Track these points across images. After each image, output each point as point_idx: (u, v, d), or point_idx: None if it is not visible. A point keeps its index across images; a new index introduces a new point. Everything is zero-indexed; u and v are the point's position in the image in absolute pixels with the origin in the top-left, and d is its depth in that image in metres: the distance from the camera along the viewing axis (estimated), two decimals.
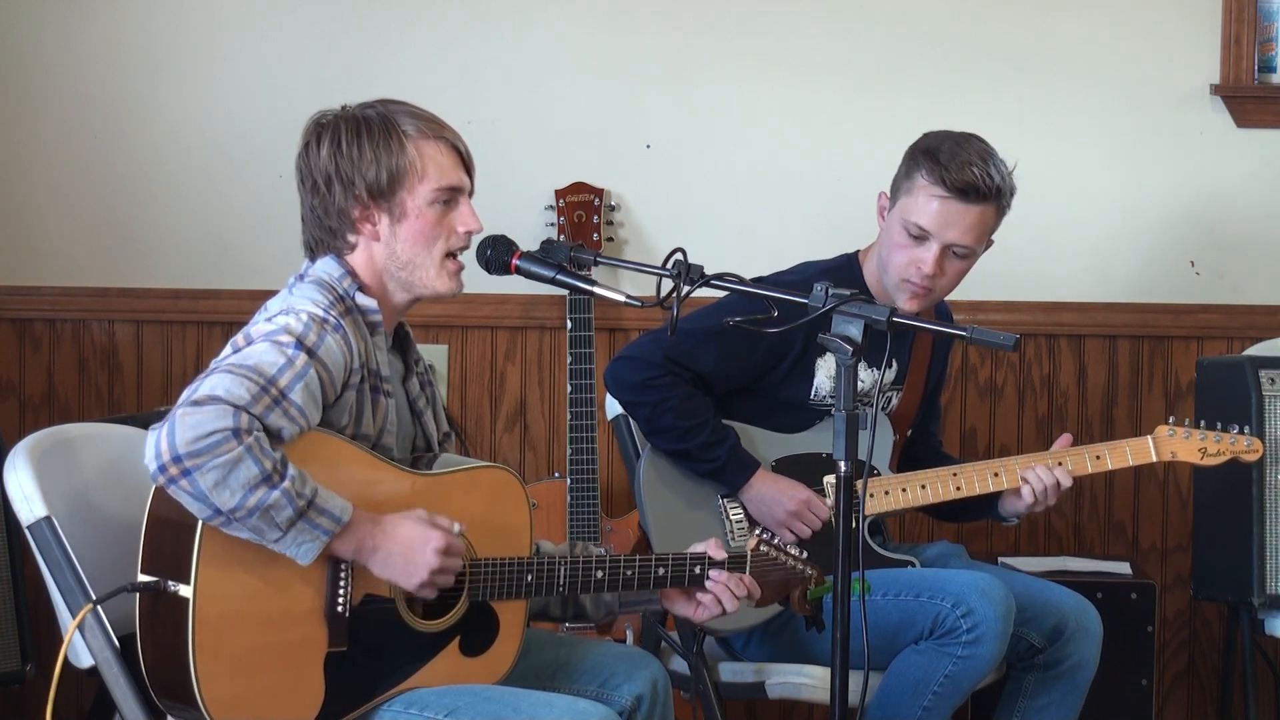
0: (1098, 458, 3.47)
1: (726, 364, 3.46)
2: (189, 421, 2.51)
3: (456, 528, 2.70)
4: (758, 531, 3.00)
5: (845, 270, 3.53)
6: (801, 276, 3.45)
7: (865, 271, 3.53)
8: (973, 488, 3.46)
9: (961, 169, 3.38)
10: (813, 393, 3.51)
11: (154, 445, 2.52)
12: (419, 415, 2.93)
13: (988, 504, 3.53)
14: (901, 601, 3.33)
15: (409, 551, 2.65)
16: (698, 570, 2.92)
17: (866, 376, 3.42)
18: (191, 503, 2.53)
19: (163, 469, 2.51)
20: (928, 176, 3.39)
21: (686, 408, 3.42)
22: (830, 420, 3.45)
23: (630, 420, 3.59)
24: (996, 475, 3.46)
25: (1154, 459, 3.47)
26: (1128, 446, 3.48)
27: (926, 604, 3.31)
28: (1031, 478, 3.43)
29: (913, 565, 3.50)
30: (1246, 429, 3.51)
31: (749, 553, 2.96)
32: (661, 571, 2.89)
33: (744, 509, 3.48)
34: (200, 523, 2.56)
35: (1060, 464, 3.44)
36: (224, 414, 2.52)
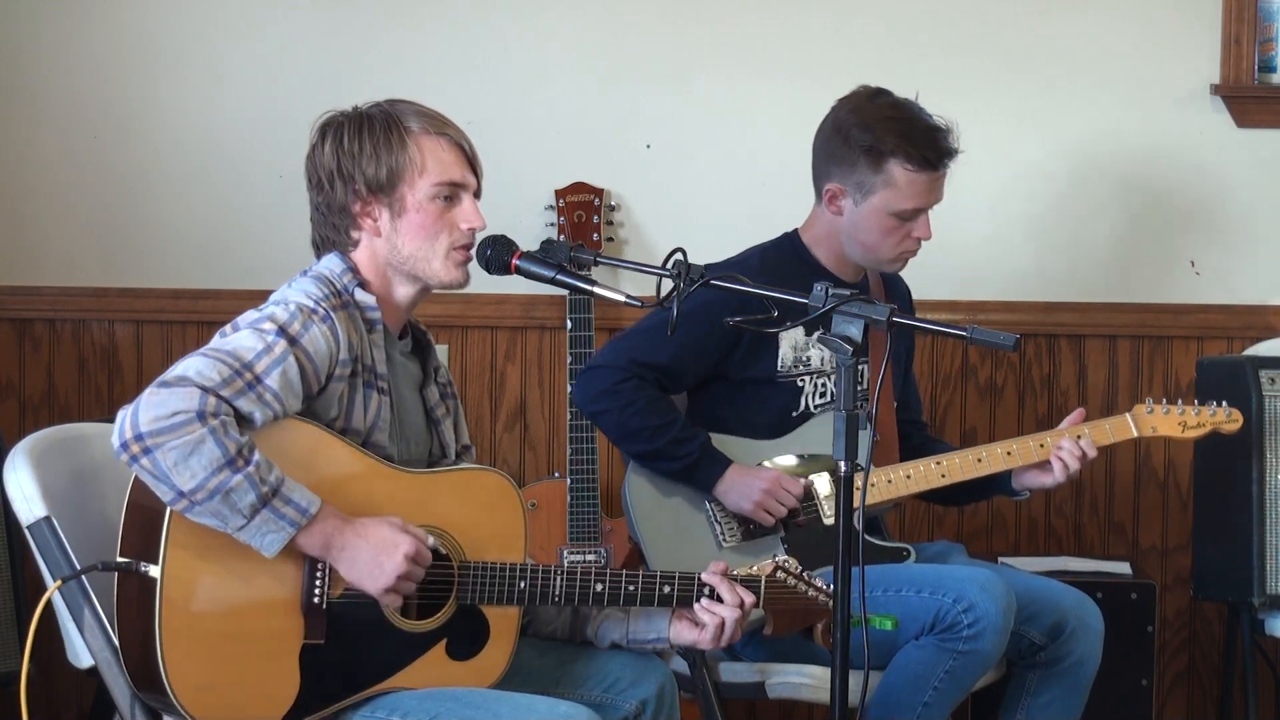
0: (1079, 438, 3.48)
1: (686, 352, 3.44)
2: (154, 400, 2.52)
3: (430, 540, 2.69)
4: (776, 557, 2.95)
5: (789, 247, 3.55)
6: (746, 257, 3.52)
7: (809, 243, 3.55)
8: (956, 475, 3.48)
9: (934, 143, 3.41)
10: (779, 363, 3.50)
11: (119, 423, 2.53)
12: (437, 424, 2.92)
13: (993, 483, 3.54)
14: (902, 597, 3.33)
15: (377, 554, 2.63)
16: (707, 591, 2.86)
17: (815, 355, 3.47)
18: (153, 483, 2.53)
19: (125, 446, 2.52)
20: (908, 164, 3.40)
21: (653, 408, 3.41)
22: (809, 423, 3.52)
23: None
24: (980, 461, 3.48)
25: (1134, 434, 3.50)
26: (1108, 424, 3.50)
27: (927, 599, 3.31)
28: (1064, 451, 3.44)
29: (908, 552, 3.50)
30: (1225, 402, 3.52)
31: (763, 579, 2.89)
32: (667, 589, 2.84)
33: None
34: None
35: (1081, 437, 3.46)
36: (190, 395, 2.52)
